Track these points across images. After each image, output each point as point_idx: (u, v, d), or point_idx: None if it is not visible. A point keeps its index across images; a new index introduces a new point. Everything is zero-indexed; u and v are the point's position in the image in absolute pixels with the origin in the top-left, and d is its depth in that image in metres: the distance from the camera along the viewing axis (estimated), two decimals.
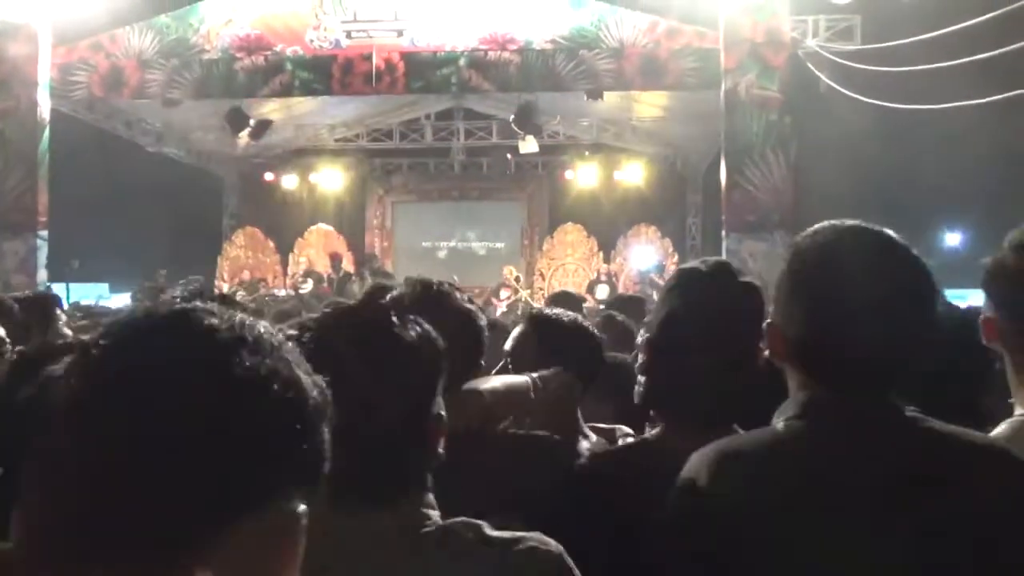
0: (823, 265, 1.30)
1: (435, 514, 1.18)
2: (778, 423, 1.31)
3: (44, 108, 11.32)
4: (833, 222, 1.35)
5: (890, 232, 1.33)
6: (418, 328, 1.22)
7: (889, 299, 1.25)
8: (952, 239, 17.12)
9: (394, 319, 1.21)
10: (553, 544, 1.17)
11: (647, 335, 1.71)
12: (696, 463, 1.30)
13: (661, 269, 14.56)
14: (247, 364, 0.65)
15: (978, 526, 1.19)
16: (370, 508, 1.15)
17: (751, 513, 1.22)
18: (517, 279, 13.65)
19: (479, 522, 1.18)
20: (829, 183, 11.23)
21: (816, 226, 1.36)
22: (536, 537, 1.18)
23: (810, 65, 10.41)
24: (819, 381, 1.30)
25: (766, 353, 1.41)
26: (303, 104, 13.16)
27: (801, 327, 1.31)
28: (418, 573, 1.13)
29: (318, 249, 16.06)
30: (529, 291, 13.54)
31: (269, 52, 11.41)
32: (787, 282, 1.35)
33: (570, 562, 1.17)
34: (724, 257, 9.99)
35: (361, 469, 1.07)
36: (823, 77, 10.22)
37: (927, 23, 8.93)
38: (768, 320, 1.39)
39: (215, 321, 0.67)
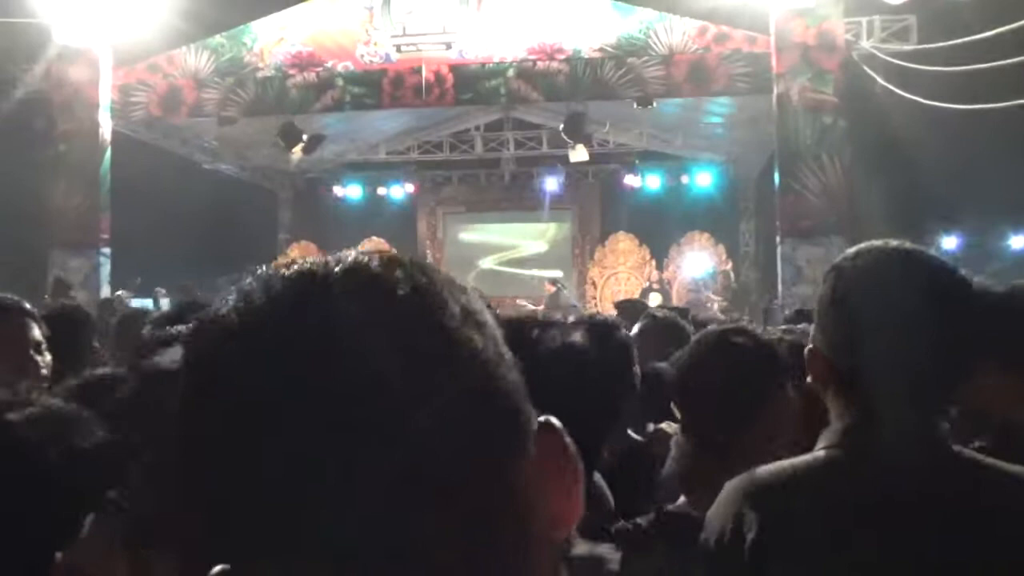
0: (866, 290, 1.28)
1: None
2: (817, 451, 1.29)
3: (105, 129, 11.65)
4: (875, 243, 1.33)
5: (933, 253, 1.31)
6: None
7: (932, 324, 1.22)
8: (1018, 242, 16.63)
9: None
10: None
11: None
12: (730, 495, 1.29)
13: (715, 276, 14.40)
14: None
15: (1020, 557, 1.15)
16: None
17: (783, 546, 1.20)
18: (553, 281, 13.59)
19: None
20: (886, 187, 11.01)
21: (858, 247, 1.34)
22: None
23: (865, 67, 10.22)
24: (860, 408, 1.28)
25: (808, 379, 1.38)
26: (355, 118, 13.32)
27: (844, 352, 1.29)
28: None
29: None
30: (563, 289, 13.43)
31: (320, 68, 11.59)
32: (830, 306, 1.32)
33: None
34: (779, 263, 9.82)
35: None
36: (879, 79, 10.02)
37: (985, 21, 8.71)
38: (809, 345, 1.36)
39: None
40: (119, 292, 10.50)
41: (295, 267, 0.56)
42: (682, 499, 1.61)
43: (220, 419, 0.50)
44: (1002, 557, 1.15)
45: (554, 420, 0.56)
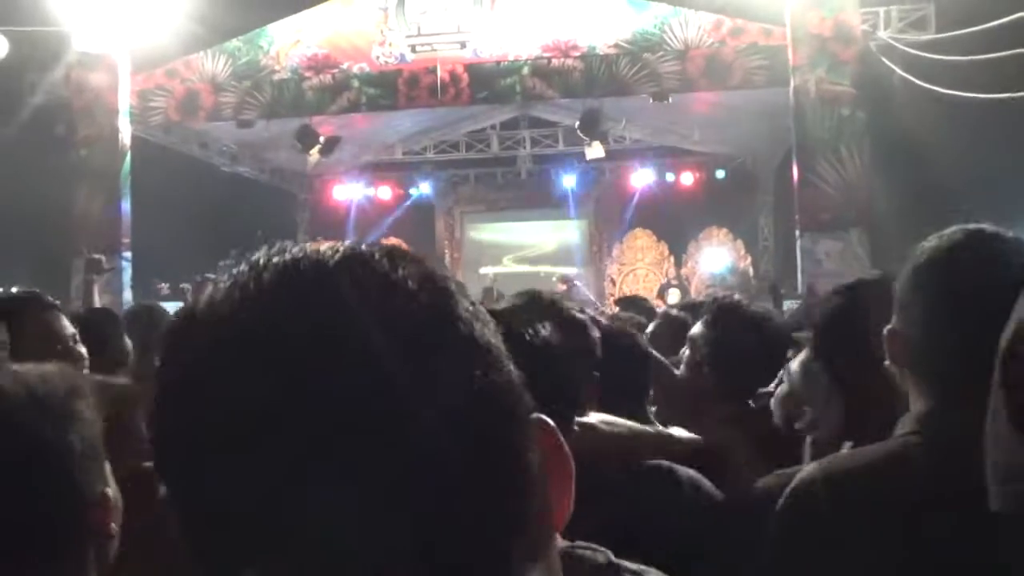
0: (952, 272, 1.26)
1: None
2: (895, 438, 1.27)
3: (125, 134, 11.75)
4: (964, 226, 1.31)
5: (1014, 235, 1.29)
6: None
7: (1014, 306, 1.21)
8: None
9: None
10: None
11: None
12: (805, 483, 1.27)
13: (733, 271, 14.34)
14: None
15: None
16: None
17: (860, 537, 1.18)
18: (565, 279, 13.60)
19: (605, 550, 1.17)
20: (905, 178, 10.91)
21: (946, 230, 1.32)
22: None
23: (883, 58, 10.14)
24: (941, 393, 1.26)
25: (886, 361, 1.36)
26: (371, 119, 13.36)
27: (925, 334, 1.27)
28: None
29: None
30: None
31: (336, 70, 11.64)
32: (912, 288, 1.31)
33: None
34: (799, 257, 9.75)
35: None
36: (897, 69, 9.94)
37: (1003, 8, 8.61)
38: (890, 325, 1.34)
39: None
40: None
41: (287, 255, 0.52)
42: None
43: (208, 428, 0.47)
44: None
45: (546, 418, 0.55)
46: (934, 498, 1.17)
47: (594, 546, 1.14)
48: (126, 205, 11.69)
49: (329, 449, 0.46)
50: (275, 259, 0.52)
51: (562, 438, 0.55)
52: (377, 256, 0.52)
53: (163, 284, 11.78)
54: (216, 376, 0.47)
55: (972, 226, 1.31)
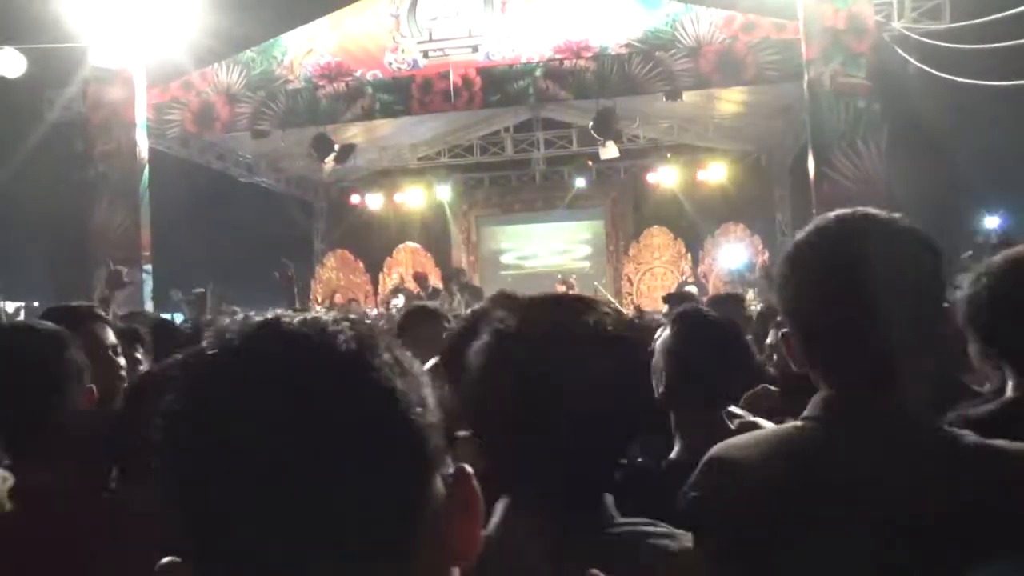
0: (824, 260, 1.26)
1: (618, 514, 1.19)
2: (796, 422, 1.29)
3: (142, 147, 11.85)
4: (836, 213, 1.31)
5: (897, 218, 1.29)
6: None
7: (895, 293, 1.20)
8: None
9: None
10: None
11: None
12: (703, 463, 1.29)
13: (752, 267, 14.27)
14: None
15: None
16: (574, 509, 1.16)
17: (752, 519, 1.19)
18: (563, 280, 13.61)
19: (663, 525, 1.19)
20: (923, 169, 10.84)
21: (816, 220, 1.32)
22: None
23: (898, 49, 10.07)
24: (829, 381, 1.26)
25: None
26: (385, 126, 13.42)
27: (806, 326, 1.27)
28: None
29: (407, 267, 16.32)
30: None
31: (350, 78, 11.69)
32: (790, 279, 1.30)
33: None
34: None
35: (573, 471, 1.13)
36: (912, 60, 9.87)
37: None
38: (783, 330, 1.35)
39: None
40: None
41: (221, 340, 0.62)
42: None
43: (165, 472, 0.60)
44: (975, 537, 1.11)
45: (467, 467, 0.63)
46: (827, 486, 1.17)
47: (655, 523, 1.17)
48: (145, 218, 11.79)
49: (248, 500, 0.57)
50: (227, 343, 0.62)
51: (476, 485, 0.64)
52: (302, 329, 0.62)
53: (177, 291, 11.86)
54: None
55: (853, 211, 1.31)
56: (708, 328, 2.15)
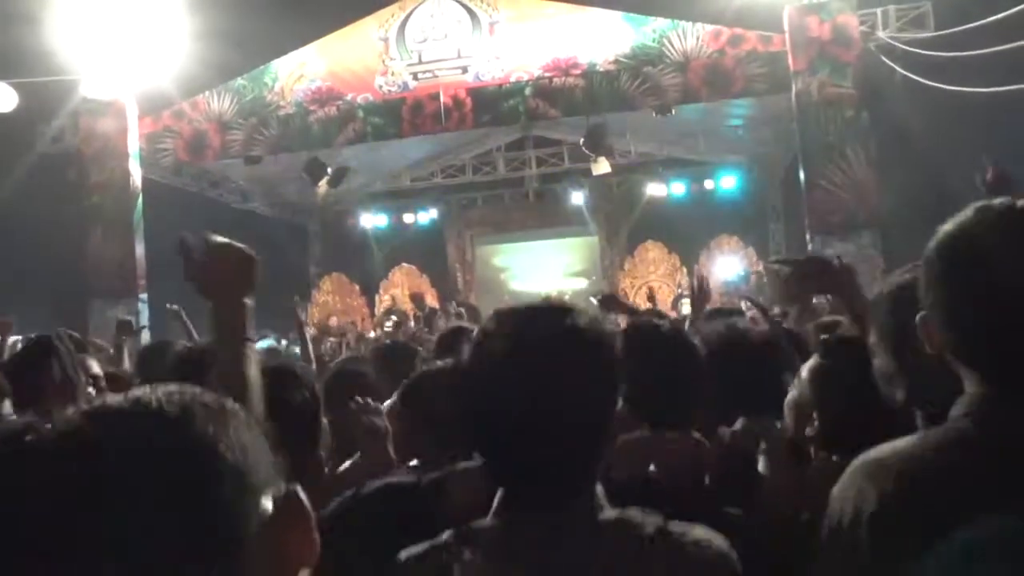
0: (973, 251, 1.18)
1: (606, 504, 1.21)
2: (948, 424, 1.21)
3: (136, 177, 11.89)
4: (979, 204, 1.21)
5: None
6: (598, 323, 1.25)
7: None
8: None
9: (575, 315, 1.23)
10: (723, 541, 1.20)
11: None
12: (850, 480, 1.21)
13: (747, 279, 14.31)
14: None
15: None
16: (560, 499, 1.19)
17: (901, 525, 1.12)
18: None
19: (655, 513, 1.20)
20: (915, 176, 10.89)
21: (962, 212, 1.23)
22: (707, 532, 1.20)
23: (884, 58, 10.16)
24: (984, 379, 1.18)
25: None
26: (377, 149, 13.47)
27: (955, 320, 1.19)
28: (600, 561, 1.16)
29: (403, 288, 16.32)
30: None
31: (340, 101, 11.76)
32: (934, 271, 1.22)
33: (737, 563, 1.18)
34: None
35: (557, 463, 1.17)
36: (898, 68, 9.96)
37: (1002, 2, 8.63)
38: (921, 313, 1.25)
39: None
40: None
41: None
42: None
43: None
44: None
45: (297, 489, 0.74)
46: (986, 488, 1.10)
47: (646, 512, 1.18)
48: (140, 248, 11.80)
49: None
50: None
51: (306, 504, 0.74)
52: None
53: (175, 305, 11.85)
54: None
55: (993, 203, 1.20)
56: (655, 343, 2.05)
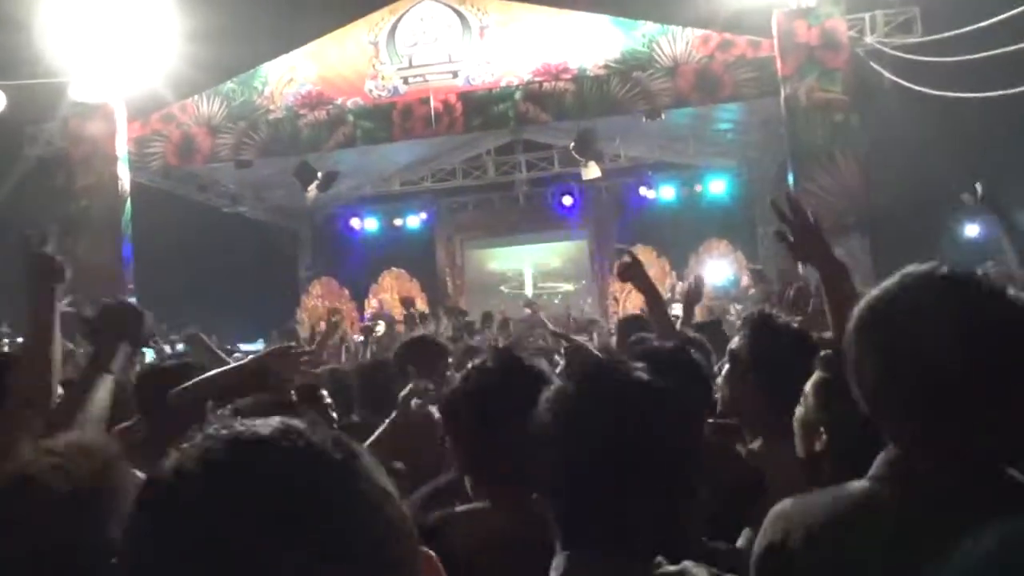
0: (886, 316, 1.22)
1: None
2: (863, 481, 1.24)
3: (124, 181, 11.84)
4: (905, 269, 1.25)
5: (967, 275, 1.22)
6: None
7: (971, 350, 1.13)
8: None
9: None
10: None
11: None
12: (774, 525, 1.25)
13: (737, 283, 14.34)
14: None
15: None
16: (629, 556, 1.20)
17: None
18: (529, 304, 13.55)
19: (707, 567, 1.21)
20: (904, 180, 10.96)
21: (887, 281, 1.27)
22: None
23: (872, 62, 10.22)
24: (898, 443, 1.22)
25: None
26: (368, 152, 13.46)
27: (875, 381, 1.23)
28: None
29: (392, 292, 16.30)
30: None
31: (330, 106, 11.75)
32: (857, 336, 1.26)
33: None
34: (800, 266, 9.73)
35: (638, 517, 1.19)
36: (886, 73, 10.01)
37: (988, 7, 8.70)
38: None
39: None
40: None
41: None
42: None
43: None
44: None
45: (430, 552, 0.76)
46: (898, 549, 1.11)
47: (698, 564, 1.18)
48: (129, 251, 11.76)
49: None
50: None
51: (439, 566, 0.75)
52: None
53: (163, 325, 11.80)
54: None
55: (919, 270, 1.24)
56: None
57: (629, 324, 4.64)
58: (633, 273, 3.49)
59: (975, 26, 8.83)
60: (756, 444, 2.09)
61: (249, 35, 11.70)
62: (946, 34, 9.51)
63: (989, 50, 8.54)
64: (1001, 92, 8.75)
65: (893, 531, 1.14)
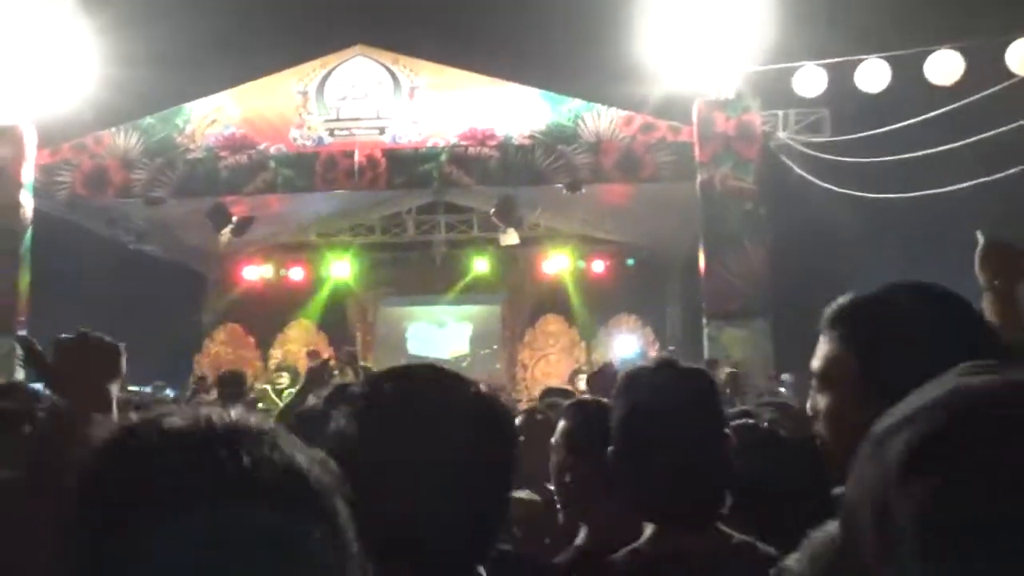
0: (631, 404, 1.59)
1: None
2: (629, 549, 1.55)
3: (27, 208, 11.39)
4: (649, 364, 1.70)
5: (679, 364, 1.64)
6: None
7: (681, 432, 1.50)
8: None
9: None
10: None
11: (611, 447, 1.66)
12: None
13: (644, 357, 14.57)
14: None
15: None
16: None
17: None
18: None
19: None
20: (806, 270, 11.40)
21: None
22: None
23: (783, 157, 10.70)
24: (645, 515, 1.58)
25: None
26: (286, 201, 13.31)
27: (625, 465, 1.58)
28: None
29: (299, 344, 15.99)
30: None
31: (253, 150, 11.62)
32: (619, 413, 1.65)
33: None
34: (705, 345, 10.03)
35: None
36: (795, 167, 10.49)
37: (893, 115, 9.26)
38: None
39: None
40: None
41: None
42: None
43: None
44: None
45: None
46: None
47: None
48: (25, 282, 11.25)
49: None
50: None
51: None
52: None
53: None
54: None
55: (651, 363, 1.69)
56: None
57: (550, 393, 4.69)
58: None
59: (879, 130, 9.37)
60: None
61: (174, 71, 11.54)
62: (852, 136, 10.05)
63: (891, 154, 9.06)
64: (898, 196, 9.27)
65: None
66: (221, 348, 16.23)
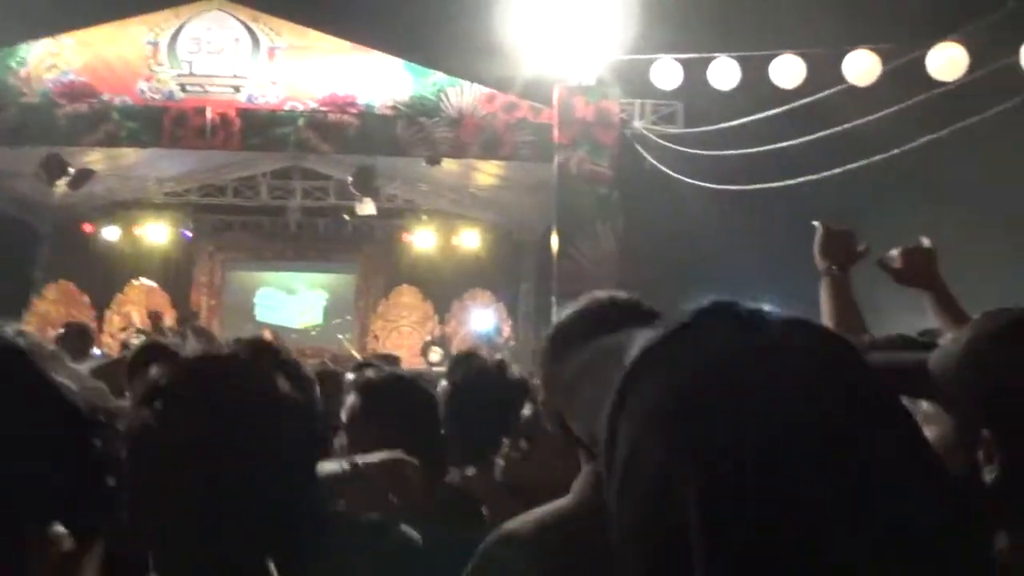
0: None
1: None
2: (572, 495, 1.36)
3: None
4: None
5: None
6: None
7: None
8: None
9: None
10: None
11: None
12: (491, 547, 1.34)
13: (499, 331, 14.80)
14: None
15: None
16: None
17: None
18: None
19: None
20: (654, 256, 11.85)
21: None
22: None
23: (637, 145, 11.07)
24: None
25: None
26: (130, 155, 12.63)
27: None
28: None
29: (139, 305, 15.29)
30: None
31: (95, 100, 10.95)
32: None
33: None
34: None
35: None
36: (648, 156, 10.88)
37: (741, 110, 9.77)
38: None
39: None
40: None
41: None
42: None
43: None
44: None
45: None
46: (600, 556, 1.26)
47: None
48: None
49: None
50: None
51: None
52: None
53: None
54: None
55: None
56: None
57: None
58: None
59: (728, 124, 9.86)
60: None
61: (12, 7, 10.69)
62: (703, 128, 10.51)
63: (740, 148, 9.56)
64: (743, 188, 9.80)
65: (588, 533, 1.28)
66: (52, 307, 15.28)
